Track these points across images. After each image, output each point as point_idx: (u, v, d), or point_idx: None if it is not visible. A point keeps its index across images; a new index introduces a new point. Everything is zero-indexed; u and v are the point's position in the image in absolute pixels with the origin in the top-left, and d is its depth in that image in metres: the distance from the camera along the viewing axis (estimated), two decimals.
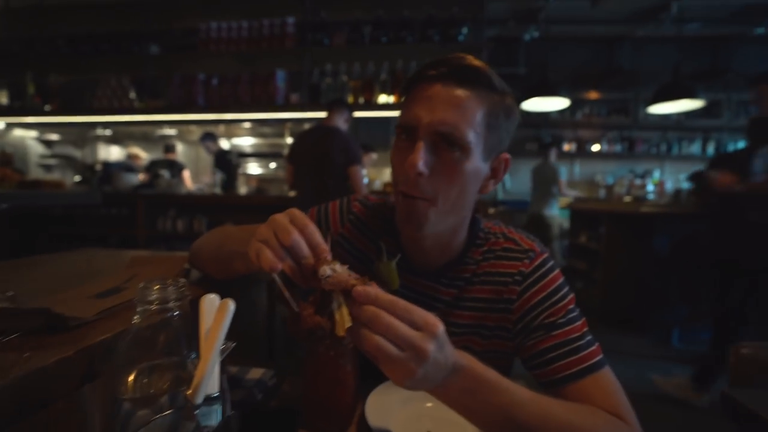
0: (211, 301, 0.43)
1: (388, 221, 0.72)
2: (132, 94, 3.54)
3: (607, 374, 0.55)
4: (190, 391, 0.39)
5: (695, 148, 4.99)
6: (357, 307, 0.40)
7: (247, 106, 3.34)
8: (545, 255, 0.64)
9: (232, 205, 3.33)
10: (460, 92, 0.55)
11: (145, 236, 3.33)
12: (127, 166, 4.17)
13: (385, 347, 0.38)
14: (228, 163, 3.95)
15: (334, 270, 0.43)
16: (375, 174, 3.97)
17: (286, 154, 2.88)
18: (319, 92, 3.27)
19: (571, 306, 0.59)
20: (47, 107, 3.75)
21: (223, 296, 0.41)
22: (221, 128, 4.60)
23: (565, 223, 4.43)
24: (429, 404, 0.62)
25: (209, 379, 0.40)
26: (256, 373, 0.74)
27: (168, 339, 0.46)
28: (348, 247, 0.73)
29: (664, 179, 4.84)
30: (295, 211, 0.47)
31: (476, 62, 0.57)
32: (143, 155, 4.56)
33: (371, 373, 0.63)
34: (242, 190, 4.16)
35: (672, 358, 2.54)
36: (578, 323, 0.58)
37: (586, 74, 5.06)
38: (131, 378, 0.44)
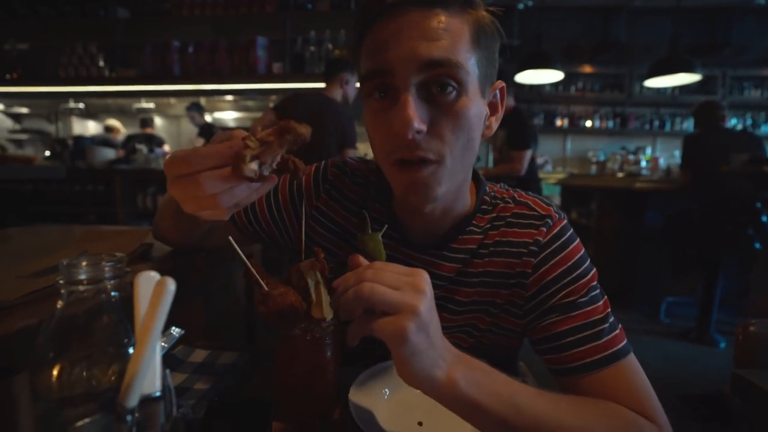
0: (148, 280, 0.34)
1: (372, 185, 0.63)
2: (101, 63, 3.31)
3: (632, 363, 0.48)
4: (121, 392, 0.31)
5: (688, 125, 4.95)
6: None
7: (227, 76, 3.16)
8: (564, 222, 0.55)
9: None
10: (436, 14, 0.43)
11: (125, 214, 3.19)
12: (102, 140, 3.96)
13: (379, 289, 0.36)
14: (213, 136, 3.78)
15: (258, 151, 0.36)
16: (366, 148, 3.86)
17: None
18: (303, 62, 3.10)
19: (594, 283, 0.52)
20: (7, 76, 3.51)
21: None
22: (202, 101, 4.40)
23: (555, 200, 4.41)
24: (419, 391, 0.56)
25: (145, 375, 0.32)
26: (229, 357, 0.66)
27: (102, 326, 0.38)
28: (325, 221, 0.64)
29: (657, 156, 4.82)
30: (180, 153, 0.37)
31: None
32: (121, 128, 4.34)
33: (355, 358, 0.56)
34: None
35: (659, 332, 2.57)
36: (600, 303, 0.51)
37: (580, 47, 4.92)
38: (55, 374, 0.36)
